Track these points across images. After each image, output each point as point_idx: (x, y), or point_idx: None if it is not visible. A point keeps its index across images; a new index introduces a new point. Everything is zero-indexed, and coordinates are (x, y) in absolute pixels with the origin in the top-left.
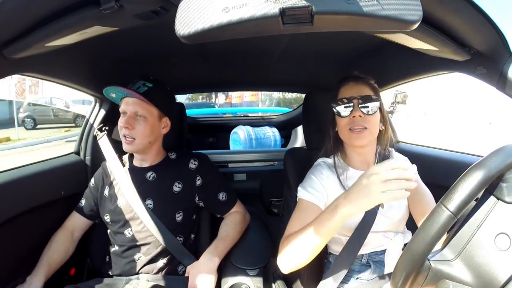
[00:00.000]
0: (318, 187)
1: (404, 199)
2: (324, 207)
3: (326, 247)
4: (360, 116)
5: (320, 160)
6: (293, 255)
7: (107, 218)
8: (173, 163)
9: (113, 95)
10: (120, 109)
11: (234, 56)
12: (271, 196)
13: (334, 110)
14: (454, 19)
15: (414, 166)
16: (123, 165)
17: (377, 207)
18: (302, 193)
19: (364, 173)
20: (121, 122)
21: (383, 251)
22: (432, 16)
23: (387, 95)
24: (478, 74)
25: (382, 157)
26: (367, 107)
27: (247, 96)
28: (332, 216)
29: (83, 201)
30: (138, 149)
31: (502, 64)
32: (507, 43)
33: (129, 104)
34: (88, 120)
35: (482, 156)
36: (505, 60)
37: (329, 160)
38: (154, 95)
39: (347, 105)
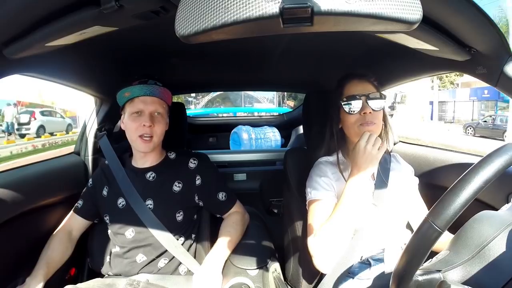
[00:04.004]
0: (327, 183)
1: (403, 201)
2: (337, 199)
3: None
4: (370, 112)
5: (321, 159)
6: (332, 248)
7: (106, 218)
8: (173, 162)
9: (127, 94)
10: (135, 108)
11: (234, 56)
12: (271, 196)
13: (344, 107)
14: (455, 19)
15: (411, 168)
16: (123, 165)
17: (376, 208)
18: (314, 193)
19: (358, 148)
20: (137, 121)
21: (383, 250)
22: (432, 16)
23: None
24: (478, 74)
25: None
26: (376, 104)
27: None
28: (354, 188)
29: (81, 202)
30: (155, 147)
31: (502, 64)
32: (507, 43)
33: (149, 103)
34: (88, 120)
35: (482, 156)
36: (505, 60)
37: (331, 158)
38: (165, 94)
39: (357, 102)
